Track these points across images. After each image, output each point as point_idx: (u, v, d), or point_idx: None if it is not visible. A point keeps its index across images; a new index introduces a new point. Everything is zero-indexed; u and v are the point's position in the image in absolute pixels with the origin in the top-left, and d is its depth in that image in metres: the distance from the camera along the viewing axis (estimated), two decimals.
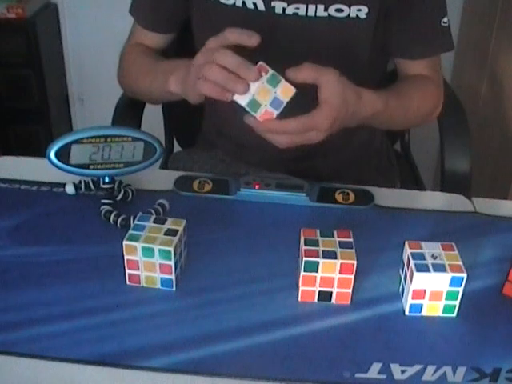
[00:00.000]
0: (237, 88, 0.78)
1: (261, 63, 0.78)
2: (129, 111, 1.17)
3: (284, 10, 0.96)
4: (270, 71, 0.78)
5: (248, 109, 0.79)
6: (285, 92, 0.78)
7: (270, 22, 0.97)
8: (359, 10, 0.96)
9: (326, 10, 0.95)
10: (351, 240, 0.73)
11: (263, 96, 0.78)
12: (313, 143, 0.82)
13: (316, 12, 0.95)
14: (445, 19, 1.01)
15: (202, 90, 0.81)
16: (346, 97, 0.81)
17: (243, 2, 0.96)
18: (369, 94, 0.87)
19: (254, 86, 0.78)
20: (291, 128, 0.80)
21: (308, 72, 0.79)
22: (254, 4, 0.96)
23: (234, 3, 0.97)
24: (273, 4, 0.96)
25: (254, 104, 0.79)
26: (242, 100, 0.79)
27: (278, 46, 0.99)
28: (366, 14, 0.96)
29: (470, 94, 1.85)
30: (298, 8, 0.95)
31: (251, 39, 0.78)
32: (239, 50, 0.81)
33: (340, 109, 0.81)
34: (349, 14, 0.96)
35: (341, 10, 0.95)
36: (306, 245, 0.72)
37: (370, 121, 0.92)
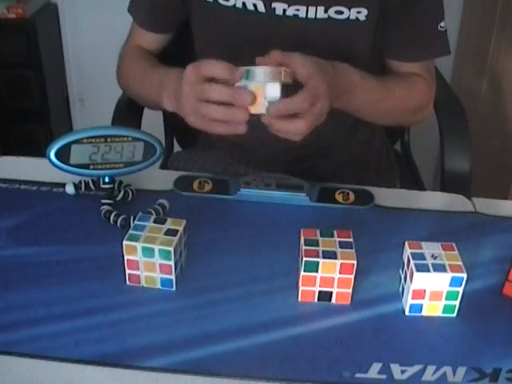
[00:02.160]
0: (240, 118, 0.79)
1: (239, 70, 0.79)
2: (129, 111, 1.17)
3: (284, 11, 0.96)
4: (252, 68, 0.79)
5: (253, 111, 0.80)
6: (272, 75, 0.79)
7: (270, 23, 0.97)
8: (359, 12, 0.96)
9: (326, 11, 0.95)
10: (351, 240, 0.73)
11: (259, 93, 0.79)
12: (323, 121, 0.83)
13: (316, 14, 0.95)
14: (442, 24, 1.01)
15: (214, 131, 0.83)
16: (322, 66, 0.83)
17: (243, 4, 0.96)
18: (341, 63, 0.89)
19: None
20: (300, 103, 0.79)
21: (275, 57, 0.81)
22: (255, 5, 0.96)
23: (234, 4, 0.97)
24: (273, 5, 0.96)
25: (253, 104, 0.79)
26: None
27: (278, 47, 0.98)
28: (366, 16, 0.96)
29: (470, 94, 1.85)
30: (298, 10, 0.95)
31: (232, 74, 0.79)
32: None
33: (324, 75, 0.82)
34: (349, 16, 0.96)
35: (341, 12, 0.95)
36: (306, 245, 0.72)
37: (352, 99, 0.92)
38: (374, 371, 0.65)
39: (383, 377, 0.64)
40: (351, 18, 0.96)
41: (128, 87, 1.09)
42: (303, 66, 0.81)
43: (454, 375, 0.65)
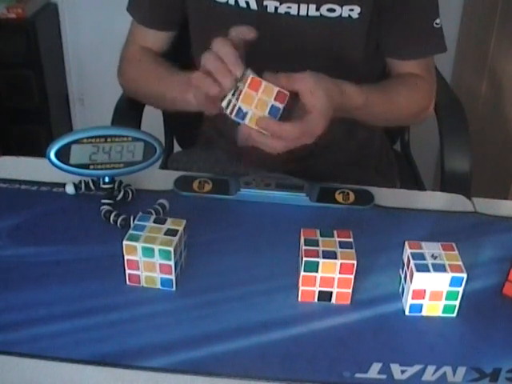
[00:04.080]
0: (224, 81, 0.78)
1: (252, 77, 0.77)
2: (129, 111, 1.17)
3: (276, 9, 0.96)
4: (264, 83, 0.77)
5: (248, 123, 0.79)
6: (279, 98, 0.78)
7: (262, 20, 0.97)
8: (351, 10, 0.96)
9: (317, 9, 0.95)
10: (351, 240, 0.73)
11: (261, 108, 0.78)
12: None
13: (308, 11, 0.96)
14: (437, 20, 1.01)
15: (194, 82, 0.82)
16: (331, 95, 0.81)
17: (236, 1, 0.97)
18: (350, 88, 0.87)
19: (251, 103, 0.78)
20: (287, 133, 0.79)
21: (284, 82, 0.79)
22: (247, 3, 0.96)
23: (227, 1, 0.97)
24: (265, 3, 0.96)
25: (253, 118, 0.78)
26: (240, 118, 0.79)
27: (271, 44, 0.99)
28: (359, 13, 0.96)
29: (470, 94, 1.85)
30: (289, 7, 0.96)
31: (249, 33, 0.80)
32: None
33: (328, 111, 0.81)
34: (341, 14, 0.96)
35: (333, 10, 0.95)
36: (306, 245, 0.72)
37: (351, 114, 0.92)
38: (374, 371, 0.65)
39: (383, 377, 0.64)
40: (343, 15, 0.96)
41: (136, 90, 1.08)
42: (311, 95, 0.79)
43: (453, 375, 0.65)
